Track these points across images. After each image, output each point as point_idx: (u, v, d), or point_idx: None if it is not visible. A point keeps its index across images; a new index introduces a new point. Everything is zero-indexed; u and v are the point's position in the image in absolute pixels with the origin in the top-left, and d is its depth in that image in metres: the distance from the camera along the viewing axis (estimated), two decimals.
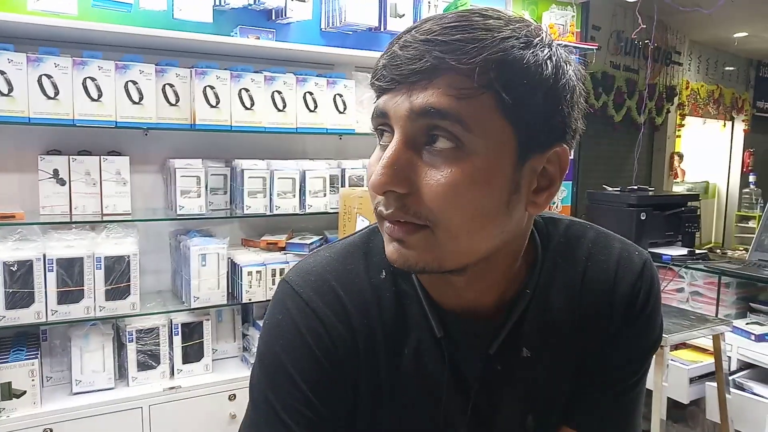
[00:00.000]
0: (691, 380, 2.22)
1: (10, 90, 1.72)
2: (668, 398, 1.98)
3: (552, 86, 0.53)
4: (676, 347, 2.35)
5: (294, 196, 2.15)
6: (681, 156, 5.57)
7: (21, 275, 1.74)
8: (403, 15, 2.31)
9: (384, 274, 0.64)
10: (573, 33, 2.76)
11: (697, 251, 2.59)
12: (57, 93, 1.77)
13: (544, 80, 0.52)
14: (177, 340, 1.99)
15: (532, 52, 0.51)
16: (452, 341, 0.63)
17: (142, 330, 1.94)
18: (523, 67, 0.51)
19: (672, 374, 2.10)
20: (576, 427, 0.68)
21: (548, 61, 0.52)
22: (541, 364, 0.65)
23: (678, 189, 5.50)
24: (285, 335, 0.61)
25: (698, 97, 5.63)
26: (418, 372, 0.63)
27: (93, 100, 1.82)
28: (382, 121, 0.55)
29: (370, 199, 0.58)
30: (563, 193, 3.11)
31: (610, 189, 2.90)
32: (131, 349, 1.92)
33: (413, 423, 0.64)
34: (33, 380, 1.76)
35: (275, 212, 2.12)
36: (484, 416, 0.65)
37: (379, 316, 0.63)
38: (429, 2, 2.34)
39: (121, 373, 1.95)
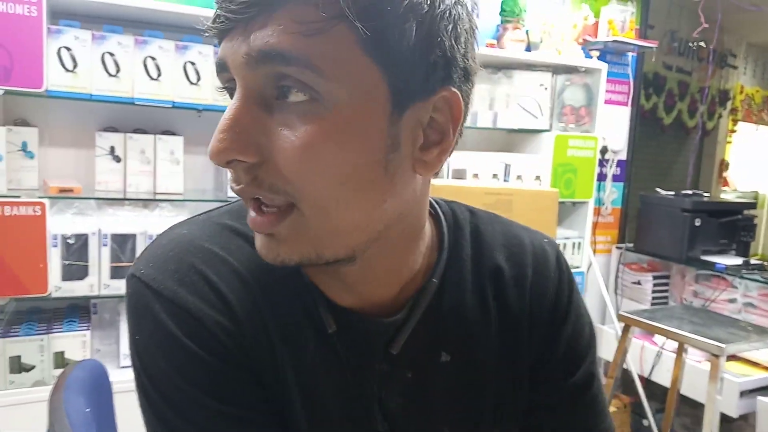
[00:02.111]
0: (742, 393, 2.14)
1: (75, 66, 1.75)
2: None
3: (426, 13, 0.42)
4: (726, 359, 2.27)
5: None
6: (727, 165, 5.39)
7: (77, 248, 1.78)
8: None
9: None
10: (632, 29, 2.67)
11: (752, 261, 2.50)
12: (118, 71, 1.79)
13: (415, 5, 0.41)
14: None
15: None
16: (348, 340, 0.54)
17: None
18: None
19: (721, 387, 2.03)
20: None
21: None
22: (460, 371, 0.57)
23: (726, 197, 5.33)
24: (166, 349, 0.49)
25: (752, 102, 5.43)
26: (323, 372, 0.54)
27: (152, 79, 1.84)
28: (225, 75, 0.45)
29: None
30: (614, 194, 3.03)
31: (664, 192, 2.81)
32: None
33: (323, 426, 0.55)
34: (84, 351, 1.80)
35: None
36: (393, 425, 0.56)
37: (267, 305, 0.52)
38: None
39: None
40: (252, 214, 0.46)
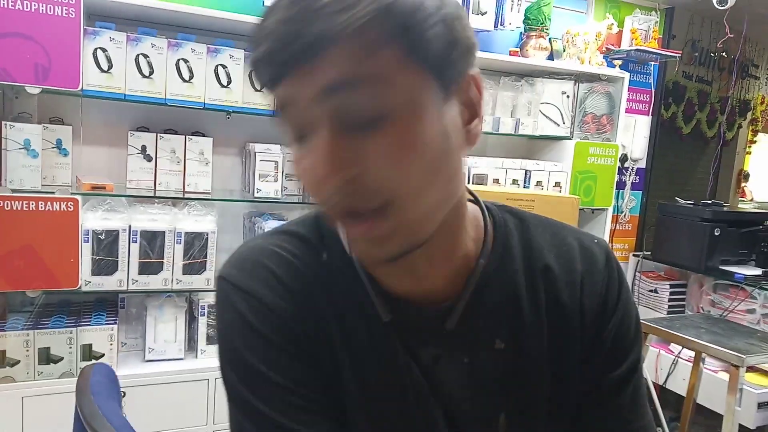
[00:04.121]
0: (760, 405, 2.14)
1: (110, 67, 1.80)
2: None
3: (446, 13, 0.49)
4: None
5: None
6: (747, 176, 5.35)
7: (107, 244, 1.82)
8: (486, 12, 2.30)
9: (325, 256, 0.61)
10: (656, 39, 2.68)
11: None
12: (152, 72, 1.84)
13: (438, 9, 0.48)
14: None
15: None
16: (403, 327, 0.59)
17: (213, 305, 2.00)
18: (416, 4, 0.47)
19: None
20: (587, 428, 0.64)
21: None
22: (514, 360, 0.61)
23: (744, 207, 5.29)
24: (242, 334, 0.58)
25: None
26: (374, 360, 0.59)
27: (184, 81, 1.88)
28: (293, 113, 0.49)
29: (313, 201, 0.52)
30: (632, 202, 3.04)
31: (683, 202, 2.82)
32: (202, 322, 1.99)
33: (379, 415, 0.60)
34: (111, 344, 1.85)
35: None
36: (449, 411, 0.60)
37: (324, 298, 0.59)
38: (512, 1, 2.32)
39: (191, 345, 2.03)
40: (348, 223, 0.51)
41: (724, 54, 4.16)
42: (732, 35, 2.97)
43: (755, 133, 5.15)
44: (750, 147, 5.20)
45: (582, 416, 0.64)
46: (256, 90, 1.98)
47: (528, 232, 0.65)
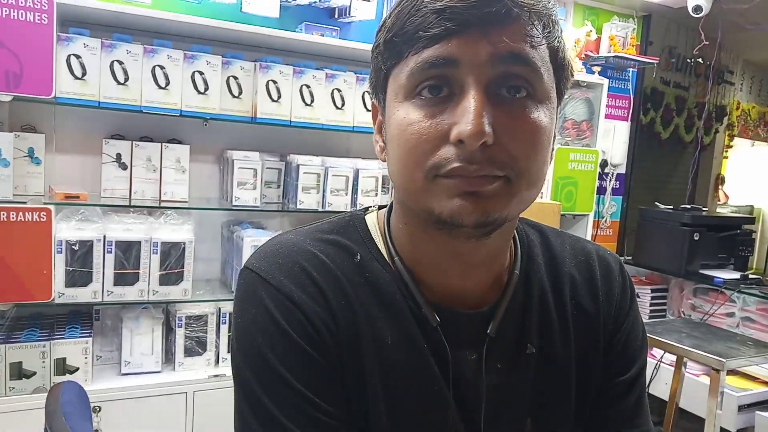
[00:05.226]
0: (741, 408, 2.15)
1: (84, 74, 1.76)
2: None
3: (564, 41, 0.56)
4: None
5: (347, 194, 2.16)
6: (723, 180, 5.43)
7: (81, 255, 1.78)
8: None
9: (359, 257, 0.60)
10: (633, 46, 2.71)
11: (751, 275, 2.52)
12: (127, 79, 1.81)
13: (562, 33, 0.56)
14: (224, 329, 2.01)
15: (556, 9, 0.55)
16: (449, 331, 0.59)
17: (191, 317, 1.97)
18: (557, 20, 0.54)
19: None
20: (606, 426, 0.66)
21: (559, 19, 0.56)
22: (544, 365, 0.62)
23: (722, 211, 5.36)
24: (265, 331, 0.56)
25: (748, 118, 5.49)
26: (406, 364, 0.58)
27: (160, 87, 1.85)
28: (439, 72, 0.51)
29: (414, 160, 0.52)
30: (613, 207, 3.06)
31: (663, 207, 2.84)
32: (180, 334, 1.95)
33: (404, 420, 0.58)
34: (86, 358, 1.80)
35: (327, 209, 2.13)
36: (478, 415, 0.60)
37: (358, 301, 0.58)
38: None
39: (168, 357, 1.98)
40: (465, 182, 0.51)
41: (700, 60, 4.23)
42: (707, 42, 3.01)
43: (732, 137, 5.24)
44: (727, 152, 5.29)
45: (589, 418, 0.66)
46: (234, 97, 1.95)
47: (548, 242, 0.68)
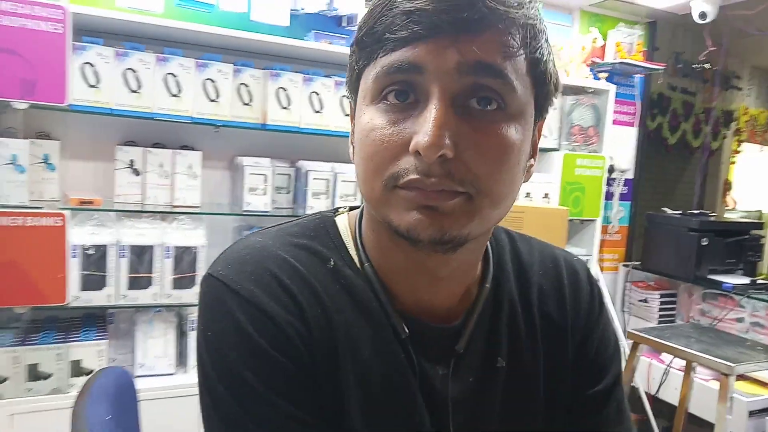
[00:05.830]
0: (751, 413, 2.14)
1: (98, 81, 1.80)
2: None
3: (549, 52, 0.52)
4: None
5: (355, 199, 2.18)
6: (730, 185, 5.41)
7: (96, 259, 1.81)
8: None
9: (332, 263, 0.57)
10: (640, 52, 2.72)
11: (759, 281, 2.51)
12: (140, 86, 1.84)
13: (547, 44, 0.52)
14: None
15: (540, 17, 0.50)
16: (418, 343, 0.57)
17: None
18: (541, 29, 0.50)
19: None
20: None
21: (545, 28, 0.51)
22: (514, 378, 0.61)
23: (730, 216, 5.34)
24: (239, 347, 0.52)
25: (756, 123, 5.47)
26: (383, 374, 0.56)
27: (172, 95, 1.89)
28: (405, 77, 0.48)
29: (373, 168, 0.49)
30: (621, 212, 3.06)
31: (671, 212, 2.84)
32: (192, 337, 1.97)
33: (379, 429, 0.56)
34: (101, 360, 1.82)
35: None
36: (448, 428, 0.58)
37: (334, 308, 0.55)
38: None
39: (181, 360, 2.01)
40: (421, 194, 0.49)
41: (707, 66, 4.23)
42: (714, 48, 3.02)
43: (740, 143, 5.23)
44: (734, 157, 5.27)
45: (568, 430, 0.64)
46: (245, 104, 1.98)
47: (517, 249, 0.66)
